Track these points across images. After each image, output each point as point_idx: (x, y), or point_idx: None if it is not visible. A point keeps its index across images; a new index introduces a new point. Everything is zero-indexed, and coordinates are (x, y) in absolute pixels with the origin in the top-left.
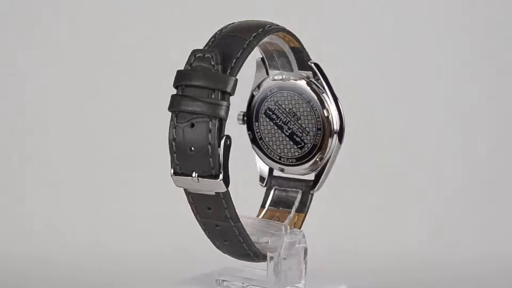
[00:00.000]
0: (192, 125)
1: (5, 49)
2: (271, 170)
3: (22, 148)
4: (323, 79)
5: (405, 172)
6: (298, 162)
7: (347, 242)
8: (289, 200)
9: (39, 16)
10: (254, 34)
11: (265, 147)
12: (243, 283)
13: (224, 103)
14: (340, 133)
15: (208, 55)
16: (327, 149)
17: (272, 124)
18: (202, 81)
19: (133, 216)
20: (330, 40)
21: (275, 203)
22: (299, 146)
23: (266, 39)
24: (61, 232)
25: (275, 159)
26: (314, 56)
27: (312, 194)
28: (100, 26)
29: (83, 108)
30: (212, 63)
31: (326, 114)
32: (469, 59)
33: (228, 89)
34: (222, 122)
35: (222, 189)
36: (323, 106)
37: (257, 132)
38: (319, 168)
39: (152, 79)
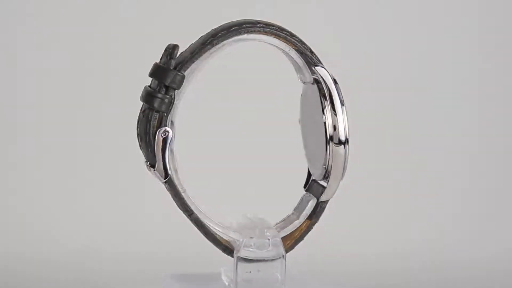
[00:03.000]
0: (143, 117)
1: None
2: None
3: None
4: (324, 84)
5: (406, 173)
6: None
7: (346, 244)
8: (304, 206)
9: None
10: (223, 33)
11: (307, 151)
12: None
13: (166, 97)
14: (337, 141)
15: (170, 50)
16: (327, 156)
17: (307, 127)
18: (154, 75)
19: (131, 216)
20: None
21: (297, 207)
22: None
23: (268, 40)
24: (57, 233)
25: (310, 163)
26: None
27: (322, 203)
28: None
29: (76, 107)
30: (168, 58)
31: (323, 120)
32: (471, 60)
33: (171, 84)
34: (162, 115)
35: (161, 179)
36: (322, 112)
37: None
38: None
39: None
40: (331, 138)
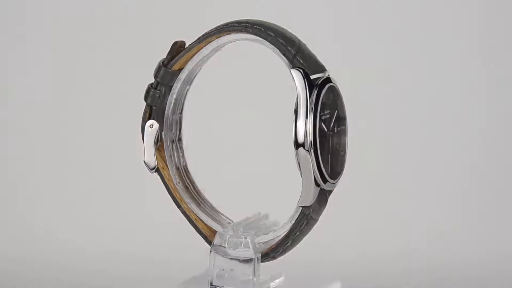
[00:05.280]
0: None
1: None
2: None
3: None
4: (296, 87)
5: (405, 173)
6: None
7: (345, 245)
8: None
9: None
10: (208, 32)
11: None
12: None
13: (157, 92)
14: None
15: (171, 48)
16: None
17: None
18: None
19: (133, 217)
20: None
21: None
22: None
23: (253, 39)
24: (60, 235)
25: None
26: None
27: (303, 208)
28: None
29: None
30: (167, 55)
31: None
32: (472, 59)
33: (160, 80)
34: (152, 108)
35: (148, 170)
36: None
37: None
38: None
39: None
40: (294, 142)
